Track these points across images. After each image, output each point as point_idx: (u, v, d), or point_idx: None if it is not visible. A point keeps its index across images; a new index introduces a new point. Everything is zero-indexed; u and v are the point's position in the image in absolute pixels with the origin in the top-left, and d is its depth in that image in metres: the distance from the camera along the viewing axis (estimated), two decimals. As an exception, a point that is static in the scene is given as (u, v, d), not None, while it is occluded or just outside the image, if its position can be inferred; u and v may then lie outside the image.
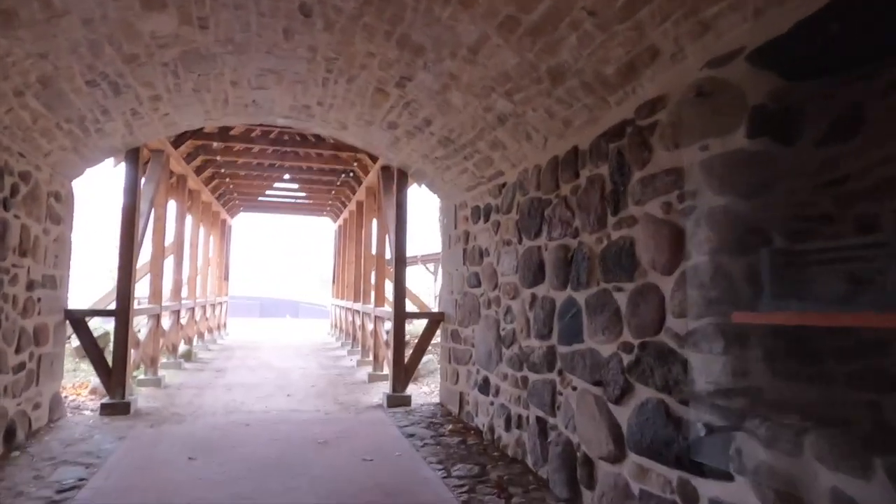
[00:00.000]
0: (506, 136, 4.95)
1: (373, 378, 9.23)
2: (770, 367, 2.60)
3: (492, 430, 5.52)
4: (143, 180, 7.57)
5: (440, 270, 19.93)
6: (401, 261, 7.81)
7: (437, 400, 7.53)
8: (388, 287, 9.99)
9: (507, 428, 5.17)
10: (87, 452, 4.99)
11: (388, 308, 9.21)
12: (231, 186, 15.10)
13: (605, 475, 3.65)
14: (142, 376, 8.44)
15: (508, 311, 5.31)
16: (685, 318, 2.94)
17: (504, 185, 5.51)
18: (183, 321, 11.46)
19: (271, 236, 61.94)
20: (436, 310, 11.60)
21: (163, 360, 9.57)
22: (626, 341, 3.47)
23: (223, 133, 10.27)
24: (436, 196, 7.67)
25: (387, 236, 9.04)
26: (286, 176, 14.12)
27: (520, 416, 4.97)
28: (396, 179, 7.92)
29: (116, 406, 6.53)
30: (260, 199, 17.04)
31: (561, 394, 4.31)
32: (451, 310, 7.07)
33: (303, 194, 16.18)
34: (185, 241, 11.54)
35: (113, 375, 6.66)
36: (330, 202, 16.57)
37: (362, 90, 5.34)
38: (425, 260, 21.02)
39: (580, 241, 4.08)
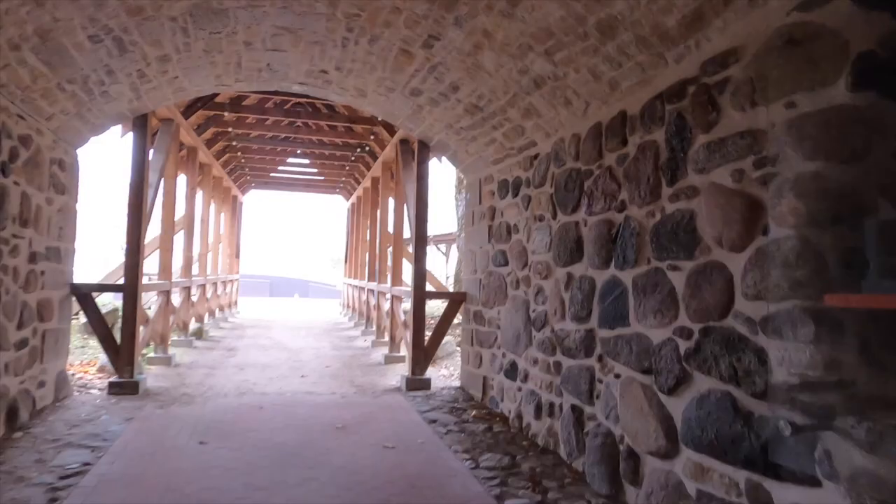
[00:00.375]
0: (541, 101, 4.56)
1: (389, 360, 8.94)
2: (870, 359, 2.24)
3: (520, 417, 5.20)
4: (151, 151, 7.23)
5: (453, 251, 19.59)
6: (421, 238, 7.46)
7: (457, 384, 7.23)
8: (404, 266, 9.68)
9: (538, 416, 4.85)
10: (92, 434, 4.73)
11: (405, 287, 8.89)
12: (243, 161, 14.77)
13: (654, 472, 3.32)
14: (152, 354, 8.20)
15: (540, 291, 4.96)
16: (762, 300, 2.58)
17: (536, 156, 5.12)
18: (194, 298, 11.21)
19: (282, 214, 61.91)
20: (450, 290, 11.29)
21: (173, 337, 9.32)
22: (683, 326, 3.12)
23: (235, 103, 9.92)
24: (456, 171, 7.30)
25: (405, 213, 8.67)
26: (298, 151, 13.76)
27: (551, 404, 4.65)
28: (417, 152, 7.53)
29: (125, 385, 6.27)
30: (272, 175, 16.75)
31: (601, 381, 3.97)
32: (473, 290, 6.72)
33: (314, 170, 15.85)
34: (196, 216, 11.23)
35: (121, 353, 6.40)
36: (343, 179, 16.22)
37: (385, 52, 4.96)
38: (437, 241, 20.65)
39: (627, 216, 3.71)
